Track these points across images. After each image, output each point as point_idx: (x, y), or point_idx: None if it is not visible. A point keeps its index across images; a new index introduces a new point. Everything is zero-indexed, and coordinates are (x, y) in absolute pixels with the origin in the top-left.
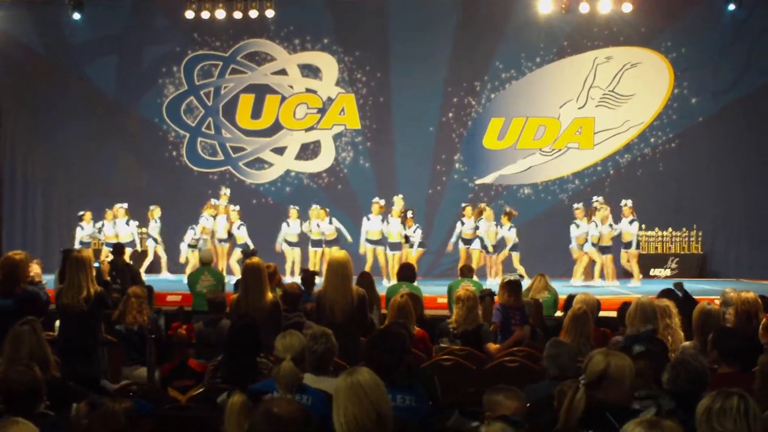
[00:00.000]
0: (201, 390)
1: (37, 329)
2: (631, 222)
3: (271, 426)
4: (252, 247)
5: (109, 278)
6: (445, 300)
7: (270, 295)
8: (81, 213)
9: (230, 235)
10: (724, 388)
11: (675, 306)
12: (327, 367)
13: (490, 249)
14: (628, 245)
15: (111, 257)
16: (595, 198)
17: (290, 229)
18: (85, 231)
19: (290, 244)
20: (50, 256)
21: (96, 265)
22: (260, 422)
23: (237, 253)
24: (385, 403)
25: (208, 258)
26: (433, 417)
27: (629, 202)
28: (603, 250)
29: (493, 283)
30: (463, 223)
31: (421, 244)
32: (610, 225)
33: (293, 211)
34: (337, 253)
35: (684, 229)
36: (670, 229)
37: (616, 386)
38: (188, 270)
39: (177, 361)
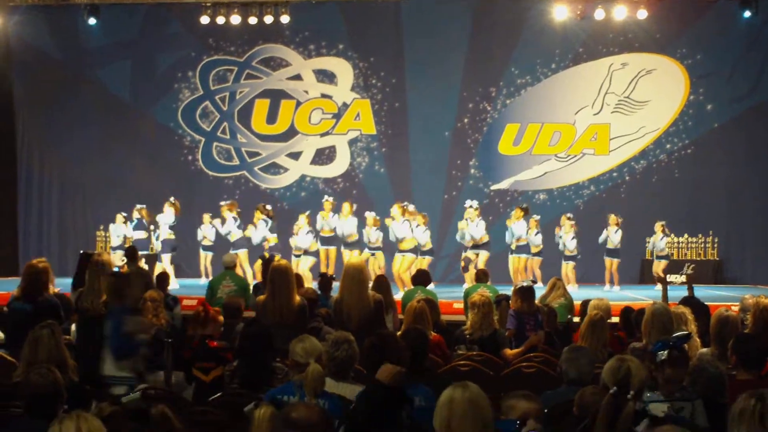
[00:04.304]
0: (219, 395)
1: (56, 333)
2: (615, 232)
3: (291, 430)
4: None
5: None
6: (460, 305)
7: (298, 298)
8: (139, 207)
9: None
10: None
11: (691, 313)
12: (348, 373)
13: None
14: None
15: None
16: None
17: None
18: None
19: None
20: (66, 259)
21: (116, 269)
22: (281, 428)
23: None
24: (489, 416)
25: (232, 262)
26: None
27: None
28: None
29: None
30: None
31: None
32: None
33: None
34: (353, 258)
35: (700, 236)
36: (685, 236)
37: (642, 393)
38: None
39: (197, 342)
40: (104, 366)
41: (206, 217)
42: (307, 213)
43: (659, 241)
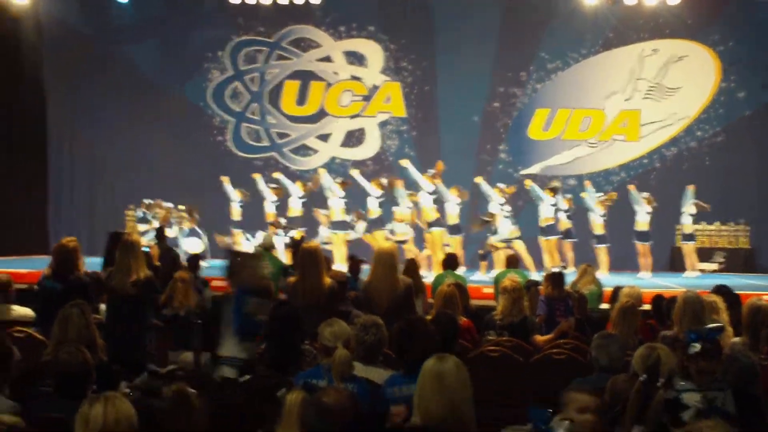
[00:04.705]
0: (248, 378)
1: (85, 312)
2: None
3: (322, 416)
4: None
5: (158, 263)
6: (490, 290)
7: (328, 280)
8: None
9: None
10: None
11: (723, 301)
12: (376, 357)
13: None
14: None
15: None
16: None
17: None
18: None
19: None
20: (95, 238)
21: (145, 249)
22: (311, 413)
23: None
24: (462, 394)
25: (270, 243)
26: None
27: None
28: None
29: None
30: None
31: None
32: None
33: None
34: (384, 243)
35: (731, 224)
36: (717, 224)
37: (672, 381)
38: None
39: None
40: (223, 346)
41: (239, 194)
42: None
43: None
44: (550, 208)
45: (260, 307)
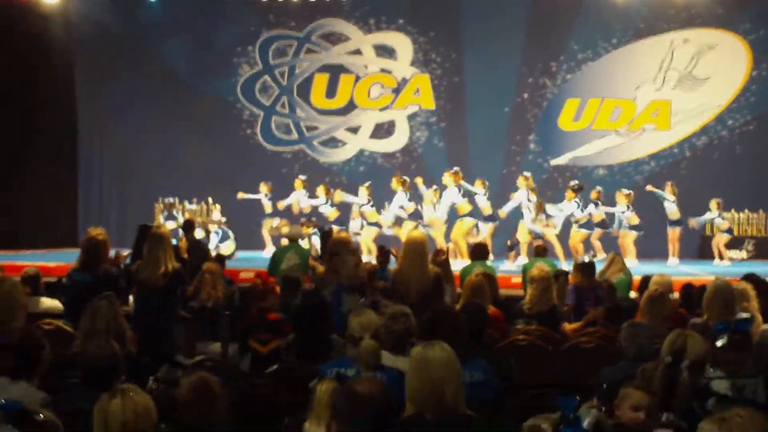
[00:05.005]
0: (276, 368)
1: (114, 304)
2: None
3: (355, 405)
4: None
5: (186, 256)
6: (518, 280)
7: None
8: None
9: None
10: None
11: (753, 289)
12: (405, 346)
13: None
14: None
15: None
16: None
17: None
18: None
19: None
20: (125, 235)
21: (174, 242)
22: (344, 402)
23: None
24: (450, 380)
25: (297, 234)
26: (505, 395)
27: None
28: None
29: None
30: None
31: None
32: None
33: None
34: (414, 232)
35: (761, 211)
36: (746, 211)
37: (702, 368)
38: None
39: (255, 312)
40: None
41: (264, 186)
42: (367, 184)
43: (717, 218)
44: (572, 207)
45: (357, 304)
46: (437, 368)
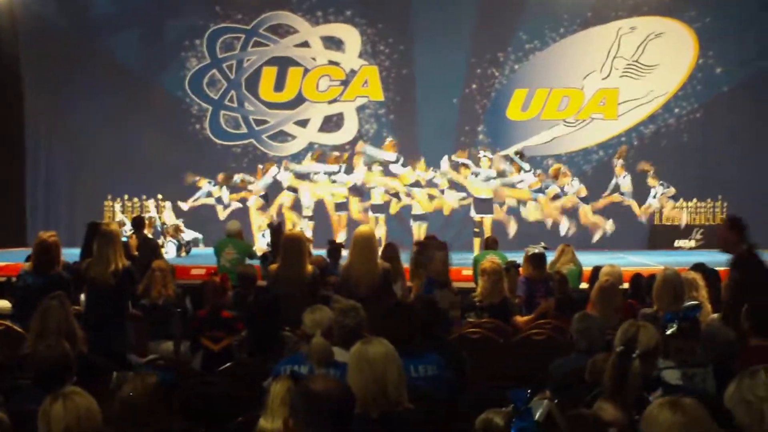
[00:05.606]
0: (229, 365)
1: (65, 304)
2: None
3: (311, 403)
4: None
5: (136, 253)
6: (469, 272)
7: (310, 268)
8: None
9: None
10: (753, 360)
11: (702, 278)
12: (356, 341)
13: None
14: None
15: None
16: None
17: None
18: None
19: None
20: (75, 231)
21: (124, 239)
22: (300, 401)
23: None
24: (392, 375)
25: (234, 229)
26: (461, 389)
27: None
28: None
29: None
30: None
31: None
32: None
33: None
34: (362, 227)
35: (709, 200)
36: (694, 200)
37: (654, 359)
38: None
39: (209, 309)
40: None
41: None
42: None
43: (659, 188)
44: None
45: (451, 301)
46: (378, 364)
